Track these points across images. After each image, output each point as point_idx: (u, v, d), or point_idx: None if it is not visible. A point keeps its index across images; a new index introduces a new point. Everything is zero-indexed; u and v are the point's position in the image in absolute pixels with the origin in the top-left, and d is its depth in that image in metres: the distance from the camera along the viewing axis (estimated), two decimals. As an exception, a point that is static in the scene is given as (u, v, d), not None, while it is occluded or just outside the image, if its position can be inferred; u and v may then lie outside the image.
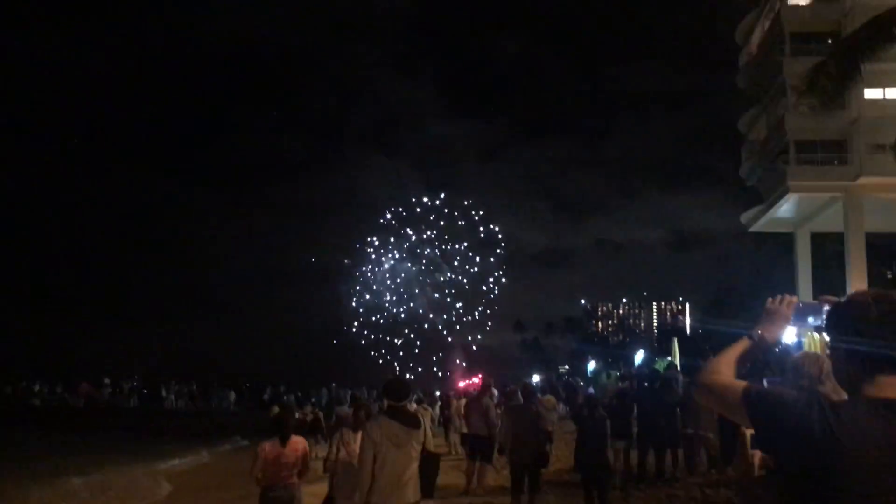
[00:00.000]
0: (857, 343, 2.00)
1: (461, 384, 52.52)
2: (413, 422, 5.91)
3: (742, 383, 2.14)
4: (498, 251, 61.75)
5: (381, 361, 58.98)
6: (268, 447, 7.02)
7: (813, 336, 23.46)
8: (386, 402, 6.18)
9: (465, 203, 61.71)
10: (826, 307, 2.20)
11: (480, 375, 56.02)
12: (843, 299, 2.15)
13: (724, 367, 2.24)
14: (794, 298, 2.39)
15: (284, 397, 40.69)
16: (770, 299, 2.42)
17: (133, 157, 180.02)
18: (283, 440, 7.03)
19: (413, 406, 14.50)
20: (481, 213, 60.76)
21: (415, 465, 5.79)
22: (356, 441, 6.75)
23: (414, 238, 62.63)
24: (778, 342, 2.39)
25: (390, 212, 61.23)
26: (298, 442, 7.16)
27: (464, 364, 55.04)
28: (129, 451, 21.42)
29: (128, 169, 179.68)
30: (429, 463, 6.00)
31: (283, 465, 6.97)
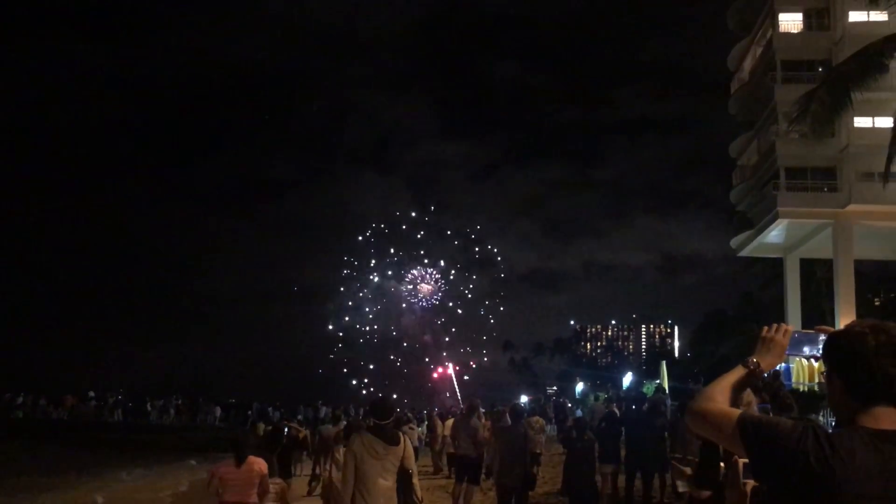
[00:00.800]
0: (854, 373, 2.00)
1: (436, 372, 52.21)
2: (393, 439, 6.33)
3: (737, 411, 2.13)
4: (496, 275, 61.63)
5: (360, 386, 58.74)
6: (222, 468, 7.13)
7: (801, 362, 23.51)
8: (371, 421, 6.69)
9: (457, 221, 61.77)
10: (822, 337, 2.20)
11: (451, 365, 55.96)
12: (839, 329, 2.14)
13: (719, 395, 2.22)
14: (790, 327, 2.38)
15: (271, 414, 40.44)
16: (766, 328, 2.40)
17: (124, 174, 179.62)
18: (239, 461, 7.08)
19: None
20: (478, 227, 60.72)
21: (392, 479, 6.26)
22: None
23: (402, 255, 62.55)
24: (773, 370, 2.38)
25: (371, 229, 61.04)
26: (255, 462, 7.19)
27: (451, 392, 54.85)
28: (119, 466, 21.15)
29: (118, 185, 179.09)
30: (405, 479, 6.50)
31: (239, 485, 7.02)
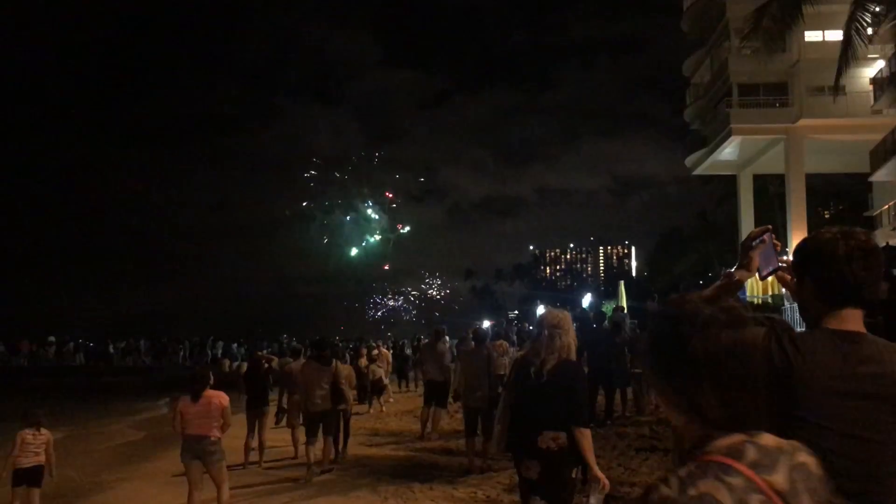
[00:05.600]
0: (827, 276, 2.02)
1: None
2: (327, 362, 10.07)
3: None
4: (450, 204, 62.21)
5: (324, 321, 58.93)
6: (180, 403, 7.26)
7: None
8: (310, 351, 11.04)
9: (409, 151, 61.79)
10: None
11: None
12: (810, 235, 2.15)
13: None
14: (766, 235, 2.34)
15: (235, 350, 40.51)
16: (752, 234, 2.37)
17: (69, 116, 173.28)
18: (195, 396, 7.17)
19: (365, 362, 18.25)
20: (431, 156, 60.85)
21: (327, 388, 9.87)
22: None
23: (354, 188, 62.18)
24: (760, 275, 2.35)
25: (322, 162, 60.47)
26: (215, 396, 7.25)
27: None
28: (95, 409, 20.85)
29: (65, 127, 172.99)
30: (335, 388, 9.99)
31: (198, 419, 7.13)
